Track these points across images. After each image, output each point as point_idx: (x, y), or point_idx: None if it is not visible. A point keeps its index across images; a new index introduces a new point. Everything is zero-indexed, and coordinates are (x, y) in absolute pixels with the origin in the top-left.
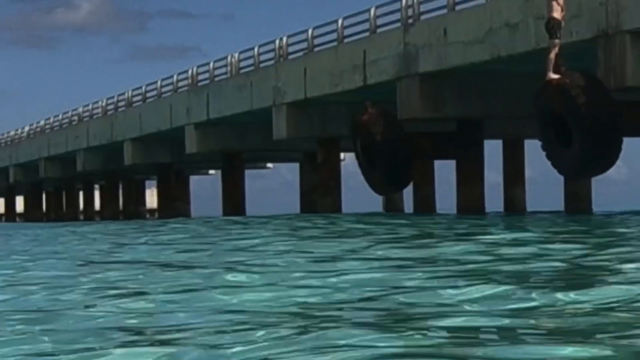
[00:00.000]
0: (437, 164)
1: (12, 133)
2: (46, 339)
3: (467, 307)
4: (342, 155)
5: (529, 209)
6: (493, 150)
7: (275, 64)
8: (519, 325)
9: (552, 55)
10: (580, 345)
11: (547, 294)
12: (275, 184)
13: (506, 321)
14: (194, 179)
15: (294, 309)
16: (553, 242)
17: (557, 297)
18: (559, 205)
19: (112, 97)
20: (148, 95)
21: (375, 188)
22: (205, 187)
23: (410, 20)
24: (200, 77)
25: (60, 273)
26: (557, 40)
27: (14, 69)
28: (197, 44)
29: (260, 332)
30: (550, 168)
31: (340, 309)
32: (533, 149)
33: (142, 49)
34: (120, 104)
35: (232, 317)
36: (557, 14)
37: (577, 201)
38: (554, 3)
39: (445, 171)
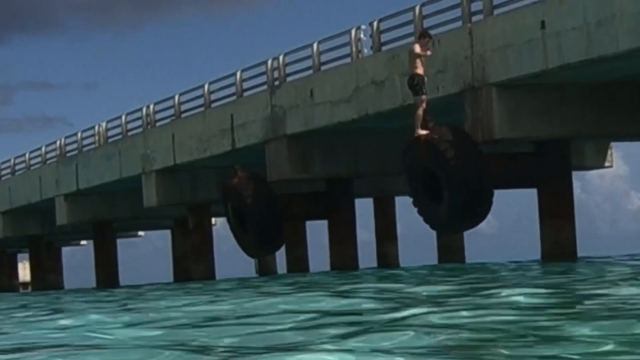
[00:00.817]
0: (309, 224)
1: None
2: None
3: None
4: (213, 220)
5: (402, 264)
6: (364, 207)
7: (143, 132)
8: None
9: (420, 111)
10: None
11: None
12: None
13: None
14: (65, 250)
15: None
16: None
17: None
18: (433, 259)
19: None
20: (17, 167)
21: (247, 251)
22: (78, 258)
23: (276, 83)
24: (69, 147)
25: None
26: (423, 96)
27: None
28: (62, 115)
29: None
30: (422, 223)
31: None
32: (404, 205)
33: (7, 121)
34: None
35: None
36: (420, 70)
37: (450, 254)
38: (418, 60)
39: (317, 231)
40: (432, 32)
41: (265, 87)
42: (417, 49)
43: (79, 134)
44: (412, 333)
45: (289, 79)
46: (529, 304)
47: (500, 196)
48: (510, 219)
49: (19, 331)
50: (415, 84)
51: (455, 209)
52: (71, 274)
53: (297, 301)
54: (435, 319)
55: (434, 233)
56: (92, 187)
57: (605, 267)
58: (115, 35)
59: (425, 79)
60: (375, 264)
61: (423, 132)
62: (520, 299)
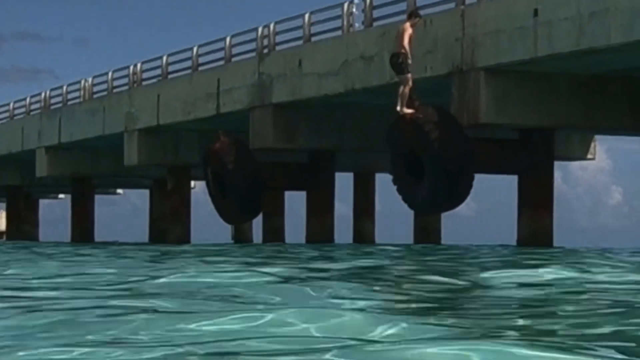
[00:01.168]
0: (288, 194)
1: None
2: None
3: None
4: (192, 183)
5: (377, 241)
6: (344, 182)
7: (128, 90)
8: None
9: (406, 89)
10: None
11: None
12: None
13: None
14: (43, 203)
15: None
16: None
17: None
18: (409, 238)
19: None
20: (0, 116)
21: (225, 217)
22: (55, 211)
23: (265, 51)
24: (53, 100)
25: None
26: (409, 75)
27: None
28: (50, 67)
29: None
30: (400, 202)
31: None
32: (384, 182)
33: None
34: None
35: None
36: (406, 48)
37: (426, 235)
38: (406, 38)
39: (295, 202)
40: (423, 11)
41: (254, 54)
42: (408, 27)
43: (65, 88)
44: None
45: (278, 47)
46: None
47: (481, 180)
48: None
49: None
50: (400, 62)
51: (435, 190)
52: (47, 227)
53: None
54: None
55: (411, 212)
56: (74, 141)
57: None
58: None
59: (409, 58)
60: (351, 240)
61: (408, 110)
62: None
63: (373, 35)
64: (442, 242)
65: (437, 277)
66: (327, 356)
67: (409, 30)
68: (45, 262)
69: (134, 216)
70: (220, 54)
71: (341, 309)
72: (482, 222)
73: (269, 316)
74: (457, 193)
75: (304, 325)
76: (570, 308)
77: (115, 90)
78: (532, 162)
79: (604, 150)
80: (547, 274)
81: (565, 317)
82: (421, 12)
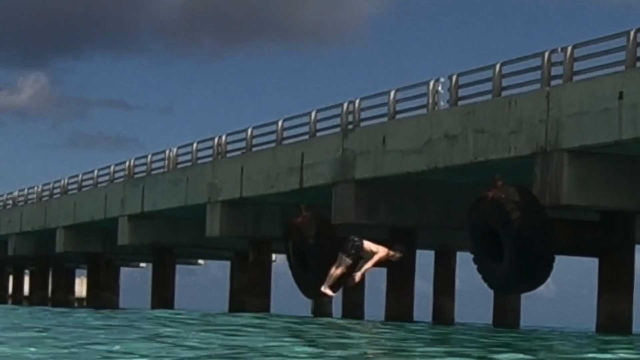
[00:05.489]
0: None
1: None
2: None
3: None
4: (273, 256)
5: (457, 320)
6: (424, 259)
7: (212, 161)
8: None
9: (338, 272)
10: None
11: None
12: (204, 280)
13: None
14: (124, 271)
15: None
16: None
17: None
18: (488, 318)
19: (48, 184)
20: (84, 183)
21: (305, 291)
22: (136, 279)
23: (350, 126)
24: (137, 169)
25: None
26: (349, 260)
27: None
28: (135, 135)
29: None
30: (481, 281)
31: None
32: (464, 260)
33: (81, 136)
34: (56, 190)
35: None
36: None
37: (506, 315)
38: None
39: (374, 277)
40: (508, 92)
41: (338, 129)
42: (384, 252)
43: (149, 157)
44: None
45: (362, 123)
46: None
47: (561, 262)
48: (570, 286)
49: None
50: (354, 246)
51: (515, 270)
52: (127, 295)
53: None
54: None
55: (491, 292)
56: (157, 210)
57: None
58: (195, 62)
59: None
60: (430, 318)
61: (328, 292)
62: None
63: (457, 114)
64: (522, 323)
65: None
66: None
67: (381, 255)
68: None
69: (214, 287)
70: (305, 129)
71: None
72: (562, 304)
73: None
74: (537, 274)
75: None
76: None
77: (199, 161)
78: (613, 245)
79: None
80: None
81: None
82: (506, 93)
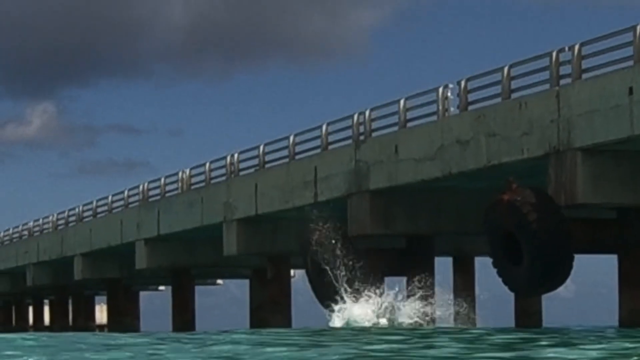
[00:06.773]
0: (387, 279)
1: None
2: None
3: None
4: (292, 271)
5: (478, 324)
6: (442, 266)
7: (226, 180)
8: None
9: None
10: None
11: None
12: (224, 300)
13: None
14: (143, 295)
15: None
16: None
17: None
18: (510, 321)
19: (63, 212)
20: (99, 210)
21: (324, 304)
22: (155, 303)
23: (361, 137)
24: (151, 192)
25: None
26: None
27: None
28: (146, 159)
29: None
30: (500, 285)
31: None
32: (483, 265)
33: (91, 163)
34: (71, 218)
35: None
36: None
37: (527, 317)
38: None
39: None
40: (518, 94)
41: (350, 141)
42: None
43: (162, 180)
44: None
45: (374, 134)
46: None
47: (580, 260)
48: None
49: None
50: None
51: (535, 272)
52: (148, 319)
53: None
54: None
55: (511, 295)
56: (173, 232)
57: None
58: (202, 83)
59: None
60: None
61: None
62: None
63: (468, 118)
64: (544, 324)
65: None
66: None
67: None
68: None
69: (234, 305)
70: (317, 142)
71: None
72: (582, 303)
73: None
74: (557, 274)
75: None
76: None
77: (212, 181)
78: (631, 241)
79: None
80: None
81: None
82: (515, 95)
